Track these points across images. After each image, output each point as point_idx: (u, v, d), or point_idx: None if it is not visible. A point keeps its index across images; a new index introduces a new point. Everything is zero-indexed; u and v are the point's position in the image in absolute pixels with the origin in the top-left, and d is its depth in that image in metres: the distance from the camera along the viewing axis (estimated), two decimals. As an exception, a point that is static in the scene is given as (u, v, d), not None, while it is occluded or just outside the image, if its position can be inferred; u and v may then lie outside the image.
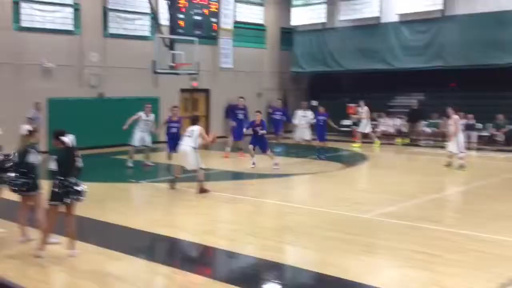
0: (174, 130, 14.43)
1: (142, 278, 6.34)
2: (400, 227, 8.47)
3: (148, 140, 15.08)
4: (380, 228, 8.60)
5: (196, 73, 20.36)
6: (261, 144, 14.74)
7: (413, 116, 21.59)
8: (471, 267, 6.58)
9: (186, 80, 22.49)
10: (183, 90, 22.82)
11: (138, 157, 15.05)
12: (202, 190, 11.22)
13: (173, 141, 13.57)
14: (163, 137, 15.48)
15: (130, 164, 14.82)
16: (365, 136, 21.36)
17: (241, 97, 18.30)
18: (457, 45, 22.00)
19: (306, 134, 18.14)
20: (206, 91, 24.24)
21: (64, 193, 6.72)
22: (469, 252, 7.18)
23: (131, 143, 14.99)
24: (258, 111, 15.44)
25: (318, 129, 17.48)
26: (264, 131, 14.73)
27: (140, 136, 14.93)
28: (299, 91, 27.90)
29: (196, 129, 11.42)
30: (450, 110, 14.80)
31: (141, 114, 15.00)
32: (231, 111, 18.92)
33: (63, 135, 6.90)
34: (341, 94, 25.88)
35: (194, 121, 11.82)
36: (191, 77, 22.30)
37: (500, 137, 20.17)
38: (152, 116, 15.29)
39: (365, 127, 20.99)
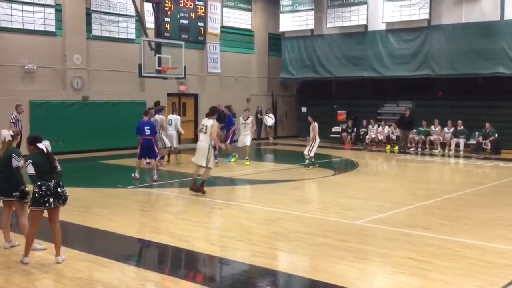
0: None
1: (131, 285, 6.20)
2: (391, 234, 8.43)
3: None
4: (371, 235, 8.56)
5: (183, 78, 20.21)
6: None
7: (404, 124, 21.69)
8: (462, 274, 6.54)
9: (174, 84, 22.37)
10: (170, 95, 22.68)
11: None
12: (197, 189, 11.19)
13: None
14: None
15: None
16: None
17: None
18: (443, 54, 22.22)
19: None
20: (194, 96, 24.14)
21: (45, 197, 6.57)
22: (461, 259, 7.14)
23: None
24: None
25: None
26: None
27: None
28: (289, 97, 27.97)
29: (209, 124, 11.21)
30: (309, 118, 16.12)
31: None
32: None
33: (39, 141, 6.77)
34: (330, 100, 25.94)
35: (209, 114, 11.45)
36: (178, 81, 22.18)
37: (487, 145, 20.31)
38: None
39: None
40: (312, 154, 16.04)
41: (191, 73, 21.91)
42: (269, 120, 26.00)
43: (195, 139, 23.95)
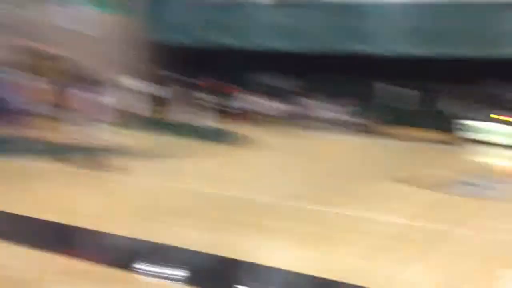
0: None
1: (11, 263, 5.45)
2: (289, 208, 8.37)
3: None
4: (273, 210, 8.36)
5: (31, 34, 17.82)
6: None
7: (287, 97, 22.02)
8: (360, 245, 6.65)
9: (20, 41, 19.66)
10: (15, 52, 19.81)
11: None
12: (94, 165, 10.38)
13: None
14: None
15: None
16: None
17: None
18: (322, 29, 22.51)
19: None
20: (52, 57, 21.67)
21: None
22: (356, 231, 7.27)
23: None
24: None
25: None
26: None
27: None
28: (158, 63, 26.56)
29: (83, 95, 10.70)
30: (173, 85, 16.30)
31: None
32: None
33: None
34: (209, 69, 25.06)
35: (79, 81, 10.80)
36: (23, 37, 19.58)
37: (369, 121, 21.09)
38: None
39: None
40: (196, 124, 15.62)
41: (43, 31, 19.55)
42: (137, 86, 24.60)
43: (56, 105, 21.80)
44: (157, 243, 6.34)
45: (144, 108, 21.92)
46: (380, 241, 6.88)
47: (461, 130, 18.88)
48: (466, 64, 19.54)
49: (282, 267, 5.75)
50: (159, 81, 24.23)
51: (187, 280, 5.26)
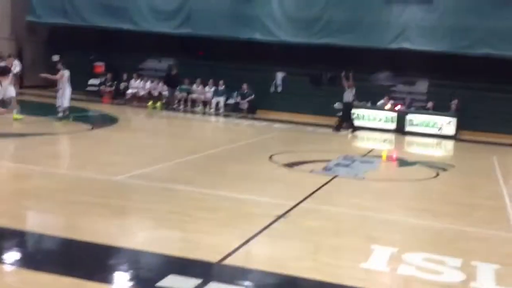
0: None
1: None
2: (153, 189, 8.15)
3: None
4: (132, 190, 8.14)
5: None
6: None
7: (170, 81, 21.64)
8: (222, 224, 6.63)
9: None
10: None
11: None
12: None
13: None
14: None
15: None
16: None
17: None
18: (206, 14, 22.35)
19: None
20: None
21: None
22: (220, 210, 7.25)
23: None
24: None
25: None
26: None
27: None
28: (37, 43, 25.12)
29: None
30: (58, 65, 15.69)
31: None
32: None
33: None
34: (87, 50, 24.12)
35: None
36: None
37: (244, 105, 21.39)
38: None
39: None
40: (66, 105, 15.05)
41: None
42: (15, 67, 23.01)
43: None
44: (11, 229, 5.89)
45: (18, 90, 20.55)
46: (238, 219, 6.90)
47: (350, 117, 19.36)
48: (356, 54, 20.27)
49: (141, 248, 5.57)
50: (39, 62, 22.99)
51: (41, 266, 4.92)
